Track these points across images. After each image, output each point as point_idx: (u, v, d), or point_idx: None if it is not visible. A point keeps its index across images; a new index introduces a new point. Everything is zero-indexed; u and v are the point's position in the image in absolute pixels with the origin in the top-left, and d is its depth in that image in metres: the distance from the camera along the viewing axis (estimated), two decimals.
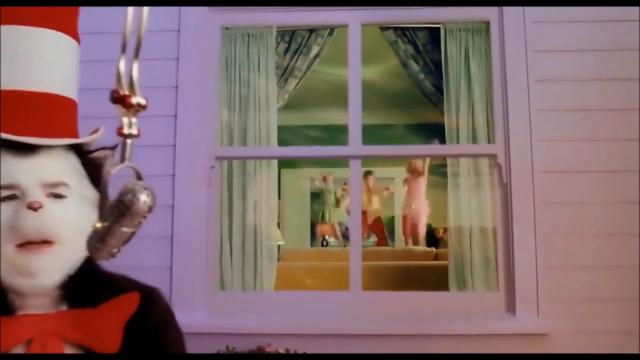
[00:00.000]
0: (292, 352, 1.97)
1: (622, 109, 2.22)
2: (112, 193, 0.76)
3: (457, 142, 2.54)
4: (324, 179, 7.04)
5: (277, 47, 2.67)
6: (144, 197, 0.66)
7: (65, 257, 0.81)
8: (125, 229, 0.67)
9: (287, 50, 2.76)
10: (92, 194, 0.86)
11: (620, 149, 2.20)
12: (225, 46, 2.52)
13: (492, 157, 2.31)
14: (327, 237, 7.40)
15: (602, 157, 2.20)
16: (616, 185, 2.19)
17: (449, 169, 2.69)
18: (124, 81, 0.65)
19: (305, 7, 2.37)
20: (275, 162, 2.66)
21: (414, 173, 6.26)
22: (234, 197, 2.54)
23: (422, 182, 6.25)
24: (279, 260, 3.18)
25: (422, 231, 6.33)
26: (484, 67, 2.49)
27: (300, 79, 2.77)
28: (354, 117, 2.33)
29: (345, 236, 7.27)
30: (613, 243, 2.16)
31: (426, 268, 3.79)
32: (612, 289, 2.14)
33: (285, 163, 6.63)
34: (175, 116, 2.28)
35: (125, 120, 0.65)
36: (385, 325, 2.16)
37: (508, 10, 2.29)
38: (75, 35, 0.89)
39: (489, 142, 2.46)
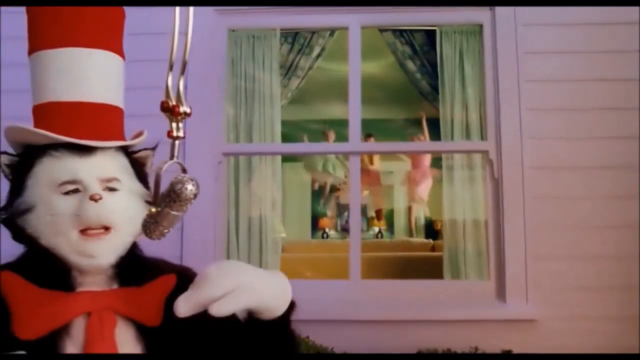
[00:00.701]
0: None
1: (608, 108, 2.34)
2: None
3: (452, 137, 2.66)
4: (326, 136, 6.73)
5: (280, 48, 2.80)
6: (190, 187, 0.81)
7: (118, 241, 0.94)
8: (175, 213, 0.83)
9: (290, 50, 2.88)
10: (138, 187, 1.00)
11: (606, 146, 2.32)
12: (232, 47, 2.65)
13: (484, 153, 2.43)
14: (327, 230, 7.53)
15: (588, 154, 2.32)
16: (601, 180, 2.31)
17: (444, 163, 2.82)
18: (172, 94, 0.81)
19: (308, 9, 2.48)
20: (278, 158, 2.79)
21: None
22: (240, 191, 2.67)
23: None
24: (282, 251, 3.31)
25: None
26: (477, 68, 2.61)
27: (302, 78, 2.90)
28: (353, 116, 2.45)
29: (345, 229, 7.40)
30: (597, 235, 2.28)
31: (423, 259, 3.92)
32: (597, 278, 2.26)
33: (287, 157, 6.74)
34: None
35: (173, 125, 0.81)
36: (383, 311, 2.29)
37: (500, 14, 2.41)
38: (121, 53, 1.03)
39: (481, 138, 2.58)
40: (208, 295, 0.82)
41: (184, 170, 0.83)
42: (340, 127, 5.97)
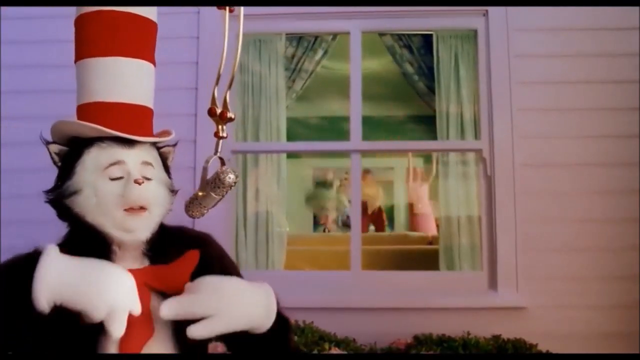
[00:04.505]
0: (300, 322, 2.23)
1: (595, 108, 2.49)
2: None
3: (447, 136, 2.80)
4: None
5: (285, 51, 2.93)
6: (232, 176, 1.03)
7: (152, 220, 1.09)
8: (216, 196, 1.04)
9: (294, 54, 3.01)
10: (165, 177, 1.16)
11: (593, 144, 2.47)
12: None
13: (478, 152, 2.58)
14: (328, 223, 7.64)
15: (576, 152, 2.47)
16: (588, 177, 2.46)
17: (440, 160, 2.95)
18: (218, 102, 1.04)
19: (311, 15, 2.62)
20: (284, 155, 2.93)
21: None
22: (248, 187, 2.82)
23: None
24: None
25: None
26: (471, 70, 2.74)
27: (306, 80, 3.03)
28: (355, 115, 2.59)
29: (346, 224, 7.52)
30: (584, 228, 2.43)
31: (420, 251, 4.05)
32: (583, 269, 2.42)
33: (289, 154, 6.85)
34: (196, 115, 2.55)
35: (220, 127, 1.04)
36: (382, 299, 2.44)
37: (493, 20, 2.55)
38: (153, 61, 1.20)
39: (475, 137, 2.72)
40: (191, 312, 1.01)
41: (223, 163, 1.05)
42: (340, 122, 6.10)
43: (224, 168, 1.03)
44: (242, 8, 1.10)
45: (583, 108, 2.49)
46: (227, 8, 1.08)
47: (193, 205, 1.07)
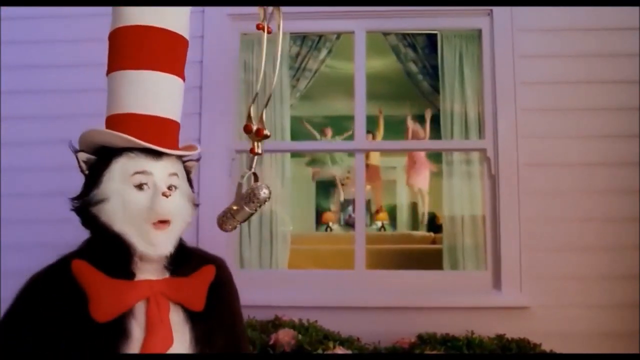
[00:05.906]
0: (304, 321, 2.23)
1: (598, 108, 2.48)
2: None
3: (452, 136, 2.80)
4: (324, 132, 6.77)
5: (289, 50, 2.93)
6: (266, 191, 1.06)
7: (175, 234, 1.10)
8: (249, 210, 1.07)
9: (298, 53, 3.01)
10: (188, 190, 1.16)
11: (596, 144, 2.46)
12: (244, 50, 2.78)
13: (482, 151, 2.57)
14: (330, 224, 7.66)
15: (579, 152, 2.46)
16: (591, 176, 2.45)
17: (444, 159, 2.96)
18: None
19: (316, 14, 2.61)
20: (287, 155, 2.94)
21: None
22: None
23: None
24: None
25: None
26: (475, 70, 2.74)
27: (310, 79, 3.03)
28: (359, 116, 2.59)
29: (348, 223, 7.53)
30: (587, 227, 2.43)
31: (424, 251, 4.05)
32: (586, 268, 2.41)
33: (293, 153, 6.85)
34: (200, 114, 2.55)
35: (256, 144, 1.08)
36: (385, 299, 2.43)
37: (498, 20, 2.54)
38: (183, 77, 1.21)
39: (479, 137, 2.72)
40: None
41: (257, 179, 1.09)
42: (344, 122, 6.12)
43: (258, 184, 1.07)
44: (281, 29, 1.15)
45: (587, 108, 2.48)
46: (265, 28, 1.11)
47: (226, 218, 1.10)
